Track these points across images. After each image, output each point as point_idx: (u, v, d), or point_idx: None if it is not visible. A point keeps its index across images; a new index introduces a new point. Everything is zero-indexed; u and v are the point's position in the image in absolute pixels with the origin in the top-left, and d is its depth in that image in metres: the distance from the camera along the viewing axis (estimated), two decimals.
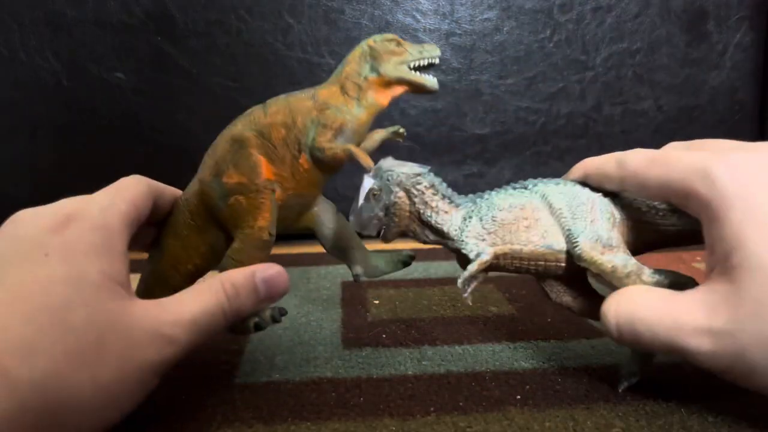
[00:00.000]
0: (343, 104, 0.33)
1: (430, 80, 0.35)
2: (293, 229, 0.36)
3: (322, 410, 0.30)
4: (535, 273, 0.32)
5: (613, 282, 0.30)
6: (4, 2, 0.65)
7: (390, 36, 0.34)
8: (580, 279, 0.33)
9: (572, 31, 0.71)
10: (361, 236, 0.35)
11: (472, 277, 0.31)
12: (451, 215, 0.32)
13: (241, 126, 0.33)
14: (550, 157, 0.72)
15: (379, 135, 0.36)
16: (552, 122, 0.72)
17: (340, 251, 0.37)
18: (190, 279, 0.34)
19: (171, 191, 0.34)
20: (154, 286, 0.34)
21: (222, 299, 0.28)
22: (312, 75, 0.68)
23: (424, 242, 0.33)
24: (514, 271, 0.32)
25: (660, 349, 0.27)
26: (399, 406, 0.30)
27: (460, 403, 0.30)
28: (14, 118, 0.67)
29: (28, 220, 0.26)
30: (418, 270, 0.57)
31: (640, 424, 0.28)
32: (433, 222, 0.32)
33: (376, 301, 0.48)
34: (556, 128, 0.72)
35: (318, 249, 0.69)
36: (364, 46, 0.34)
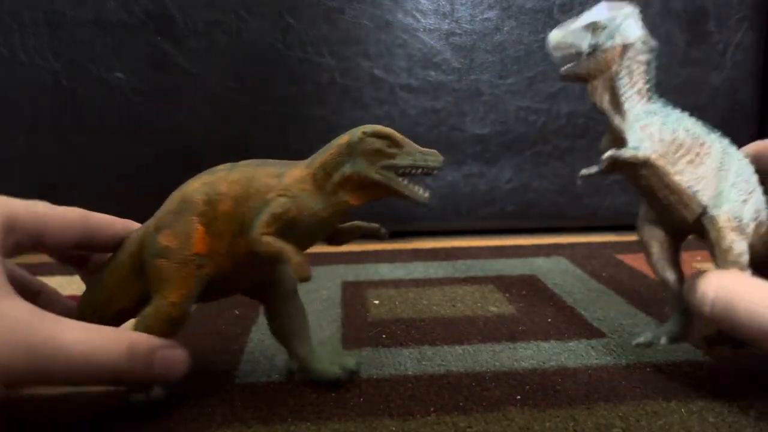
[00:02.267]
0: (307, 196, 0.29)
1: (418, 193, 0.29)
2: (241, 293, 0.33)
3: (321, 410, 0.30)
4: (658, 202, 0.31)
5: (718, 259, 0.30)
6: (4, 2, 0.65)
7: (387, 132, 0.29)
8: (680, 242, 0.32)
9: None
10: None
11: (611, 164, 0.30)
12: (640, 99, 0.31)
13: (198, 185, 0.30)
14: (550, 157, 0.72)
15: (358, 227, 0.32)
16: (552, 122, 0.72)
17: (282, 336, 0.33)
18: (118, 317, 0.32)
19: (120, 225, 0.32)
20: (85, 313, 0.32)
21: (119, 350, 0.26)
22: (312, 75, 0.68)
23: (594, 102, 0.31)
24: (641, 187, 0.31)
25: (751, 332, 0.26)
26: (399, 406, 0.30)
27: (460, 403, 0.30)
28: (14, 118, 0.67)
29: None
30: (418, 270, 0.57)
31: (640, 424, 0.28)
32: (621, 91, 0.30)
33: (376, 301, 0.48)
34: (556, 128, 0.72)
35: (318, 249, 0.69)
36: (353, 136, 0.29)
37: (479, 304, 0.46)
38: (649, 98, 0.31)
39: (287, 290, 0.33)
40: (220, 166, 0.31)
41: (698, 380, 0.33)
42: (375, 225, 0.32)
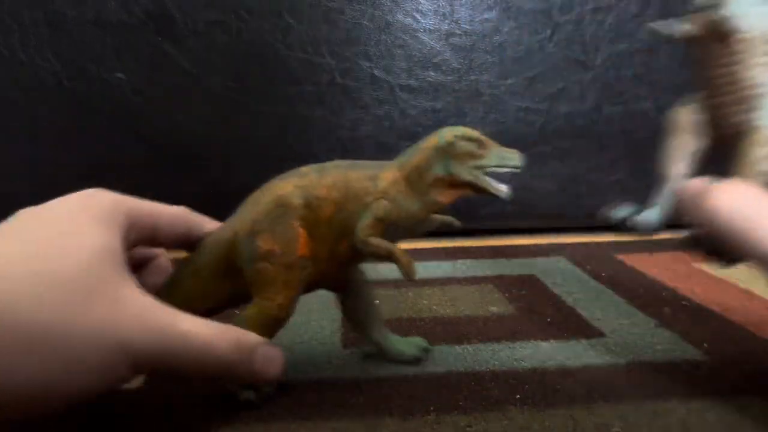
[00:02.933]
0: (403, 198, 0.30)
1: (503, 190, 0.32)
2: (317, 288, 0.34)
3: (321, 410, 0.30)
4: (715, 90, 0.31)
5: (742, 168, 0.30)
6: (4, 2, 0.65)
7: (474, 134, 0.31)
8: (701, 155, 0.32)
9: (572, 31, 0.71)
10: None
11: (709, 23, 0.30)
12: None
13: (292, 188, 0.30)
14: (550, 157, 0.72)
15: (434, 222, 0.33)
16: (552, 122, 0.72)
17: (358, 322, 0.35)
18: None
19: (211, 225, 0.32)
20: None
21: (227, 343, 0.27)
22: (312, 75, 0.68)
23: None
24: (706, 69, 0.31)
25: (747, 246, 0.26)
26: (399, 406, 0.30)
27: (460, 403, 0.30)
28: (14, 118, 0.67)
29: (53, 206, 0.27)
30: (418, 270, 0.57)
31: (640, 423, 0.28)
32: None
33: (376, 301, 0.47)
34: (556, 128, 0.72)
35: None
36: (442, 139, 0.31)
37: (479, 304, 0.46)
38: None
39: (362, 280, 0.35)
40: (304, 169, 0.31)
41: (698, 380, 0.33)
42: (449, 217, 0.34)
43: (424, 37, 0.69)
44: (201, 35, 0.66)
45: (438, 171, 0.30)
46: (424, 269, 0.57)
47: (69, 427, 0.29)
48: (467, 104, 0.71)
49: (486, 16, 0.70)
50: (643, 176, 0.74)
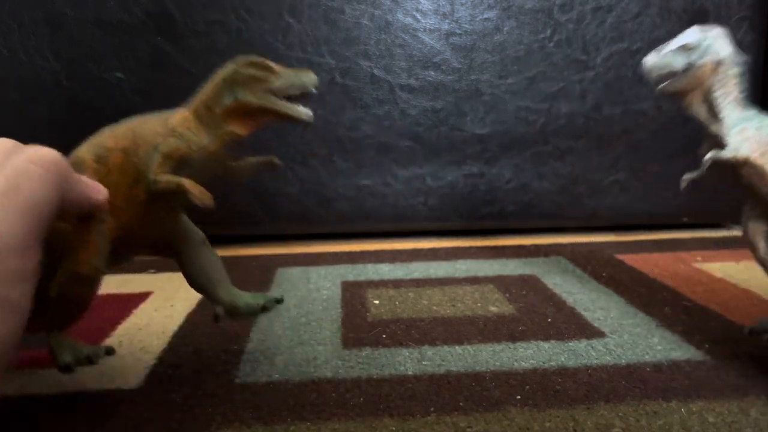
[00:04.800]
0: (194, 132, 0.30)
1: (299, 110, 0.31)
2: (146, 254, 0.33)
3: (322, 410, 0.30)
4: (759, 200, 0.33)
5: None
6: (4, 2, 0.65)
7: (258, 60, 0.31)
8: None
9: (572, 30, 0.70)
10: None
11: (712, 165, 0.33)
12: (735, 108, 0.34)
13: (85, 147, 0.30)
14: (550, 157, 0.72)
15: (249, 162, 0.34)
16: (552, 122, 0.72)
17: (201, 286, 0.34)
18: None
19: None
20: None
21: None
22: None
23: (691, 113, 0.35)
24: (743, 186, 0.33)
25: None
26: (399, 406, 0.30)
27: (460, 403, 0.30)
28: (14, 118, 0.67)
29: None
30: (418, 270, 0.57)
31: (640, 424, 0.28)
32: (717, 103, 0.34)
33: (376, 301, 0.48)
34: (556, 128, 0.72)
35: (318, 249, 0.69)
36: (226, 70, 0.31)
37: (479, 304, 0.46)
38: (744, 106, 0.34)
39: (196, 241, 0.34)
40: (101, 130, 0.31)
41: (698, 380, 0.33)
42: (267, 157, 0.34)
43: (424, 37, 0.69)
44: (201, 35, 0.66)
45: (226, 101, 0.30)
46: (424, 269, 0.57)
47: (69, 427, 0.29)
48: (467, 104, 0.71)
49: (486, 15, 0.69)
50: (643, 176, 0.74)
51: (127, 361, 0.37)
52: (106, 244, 0.29)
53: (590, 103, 0.72)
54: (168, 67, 0.67)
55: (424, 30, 0.69)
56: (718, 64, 0.33)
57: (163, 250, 0.33)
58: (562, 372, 0.34)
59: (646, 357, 0.36)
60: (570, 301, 0.47)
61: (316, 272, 0.57)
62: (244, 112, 0.30)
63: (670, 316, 0.43)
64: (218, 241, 0.73)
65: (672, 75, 0.34)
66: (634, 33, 0.71)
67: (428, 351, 0.37)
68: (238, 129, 0.30)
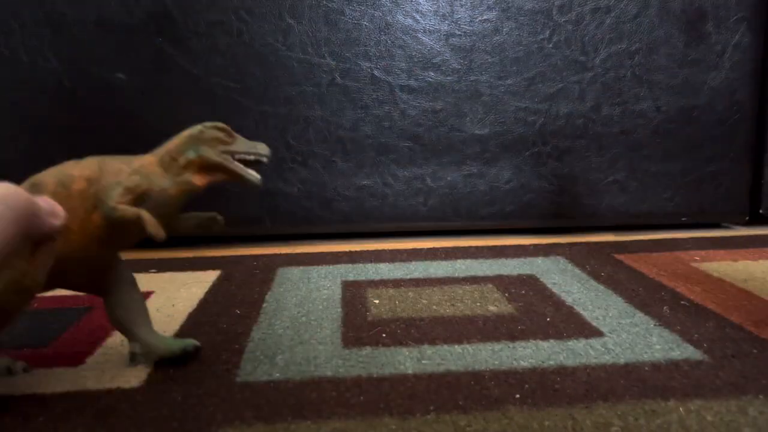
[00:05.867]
0: (155, 175, 0.33)
1: (251, 173, 0.34)
2: (73, 288, 0.34)
3: (322, 409, 0.30)
4: None
5: None
6: (4, 2, 0.65)
7: (223, 125, 0.34)
8: None
9: (571, 31, 0.71)
10: None
11: None
12: None
13: (47, 172, 0.32)
14: (549, 157, 0.72)
15: (194, 218, 0.36)
16: (551, 122, 0.72)
17: (121, 324, 0.35)
18: None
19: None
20: None
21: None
22: (312, 76, 0.68)
23: None
24: None
25: None
26: (399, 406, 0.30)
27: (460, 402, 0.31)
28: (15, 119, 0.67)
29: None
30: (418, 270, 0.57)
31: (639, 423, 0.28)
32: None
33: (376, 301, 0.48)
34: (556, 128, 0.72)
35: (318, 249, 0.69)
36: (194, 129, 0.34)
37: (479, 304, 0.47)
38: None
39: (126, 280, 0.35)
40: (65, 162, 0.33)
41: (697, 380, 0.33)
42: (211, 213, 0.36)
43: (424, 38, 0.69)
44: (202, 36, 0.67)
45: (189, 154, 0.33)
46: (423, 269, 0.58)
47: (69, 427, 0.29)
48: (467, 104, 0.71)
49: (485, 16, 0.70)
50: (641, 176, 0.74)
51: (127, 360, 0.37)
52: (51, 261, 0.30)
53: (589, 103, 0.72)
54: (169, 68, 0.67)
55: (424, 31, 0.69)
56: None
57: (93, 286, 0.35)
58: (561, 371, 0.34)
59: (645, 356, 0.36)
60: (569, 300, 0.47)
61: (316, 272, 0.57)
62: (202, 167, 0.33)
63: (669, 316, 0.43)
64: (219, 241, 0.74)
65: None
66: (633, 34, 0.71)
67: (428, 350, 0.38)
68: (196, 180, 0.33)
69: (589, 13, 0.70)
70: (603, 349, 0.37)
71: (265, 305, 0.47)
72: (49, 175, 0.32)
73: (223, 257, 0.64)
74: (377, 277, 0.55)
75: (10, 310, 0.29)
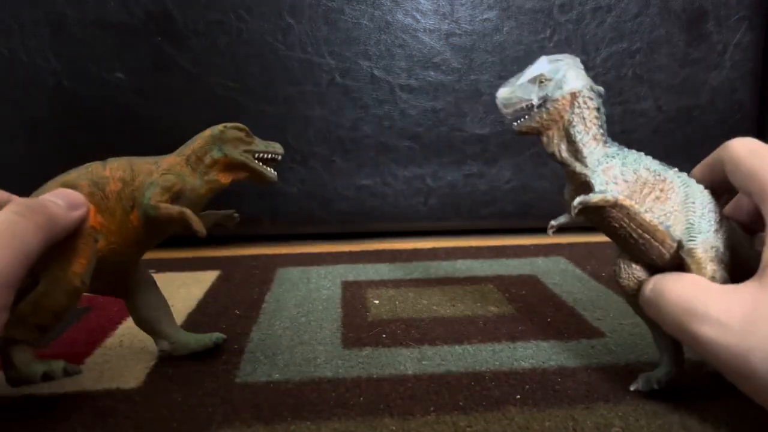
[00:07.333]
0: (186, 174, 0.34)
1: (269, 172, 0.36)
2: (95, 292, 0.35)
3: (322, 410, 0.30)
4: (632, 243, 0.30)
5: None
6: (4, 2, 0.65)
7: (242, 126, 0.36)
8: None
9: (572, 31, 0.71)
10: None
11: (581, 210, 0.30)
12: (597, 144, 0.30)
13: (75, 175, 0.32)
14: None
15: (212, 216, 0.37)
16: None
17: (147, 323, 0.36)
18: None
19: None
20: None
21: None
22: (312, 75, 0.68)
23: (550, 153, 0.32)
24: (611, 230, 0.31)
25: (672, 327, 0.27)
26: (399, 406, 0.30)
27: (460, 403, 0.31)
28: (14, 119, 0.67)
29: None
30: (418, 270, 0.57)
31: (640, 423, 0.28)
32: (578, 139, 0.30)
33: (376, 301, 0.48)
34: None
35: (318, 249, 0.69)
36: (215, 129, 0.35)
37: (479, 304, 0.46)
38: (605, 142, 0.31)
39: (147, 280, 0.36)
40: (87, 164, 0.33)
41: (697, 380, 0.33)
42: (228, 211, 0.38)
43: (424, 37, 0.69)
44: (201, 35, 0.66)
45: (215, 154, 0.35)
46: (423, 269, 0.58)
47: (69, 427, 0.29)
48: (467, 104, 0.71)
49: (486, 15, 0.70)
50: None
51: (127, 361, 0.37)
52: (94, 261, 0.31)
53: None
54: (168, 68, 0.67)
55: (424, 30, 0.69)
56: (575, 96, 0.29)
57: (119, 288, 0.35)
58: (562, 371, 0.34)
59: (646, 357, 0.36)
60: (569, 301, 0.47)
61: (316, 272, 0.57)
62: (226, 166, 0.35)
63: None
64: (218, 241, 0.74)
65: (528, 110, 0.30)
66: (634, 33, 0.71)
67: (428, 351, 0.37)
68: (221, 178, 0.35)
69: (590, 13, 0.70)
70: (604, 350, 0.37)
71: (264, 305, 0.47)
72: (79, 177, 0.32)
73: (222, 257, 0.64)
74: (377, 278, 0.55)
75: (59, 311, 0.30)
